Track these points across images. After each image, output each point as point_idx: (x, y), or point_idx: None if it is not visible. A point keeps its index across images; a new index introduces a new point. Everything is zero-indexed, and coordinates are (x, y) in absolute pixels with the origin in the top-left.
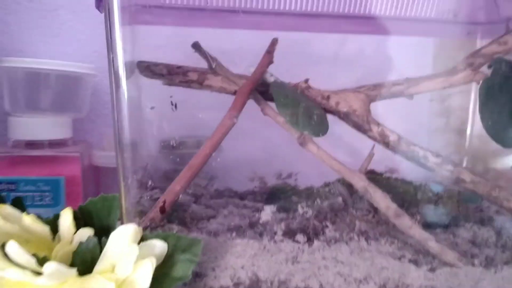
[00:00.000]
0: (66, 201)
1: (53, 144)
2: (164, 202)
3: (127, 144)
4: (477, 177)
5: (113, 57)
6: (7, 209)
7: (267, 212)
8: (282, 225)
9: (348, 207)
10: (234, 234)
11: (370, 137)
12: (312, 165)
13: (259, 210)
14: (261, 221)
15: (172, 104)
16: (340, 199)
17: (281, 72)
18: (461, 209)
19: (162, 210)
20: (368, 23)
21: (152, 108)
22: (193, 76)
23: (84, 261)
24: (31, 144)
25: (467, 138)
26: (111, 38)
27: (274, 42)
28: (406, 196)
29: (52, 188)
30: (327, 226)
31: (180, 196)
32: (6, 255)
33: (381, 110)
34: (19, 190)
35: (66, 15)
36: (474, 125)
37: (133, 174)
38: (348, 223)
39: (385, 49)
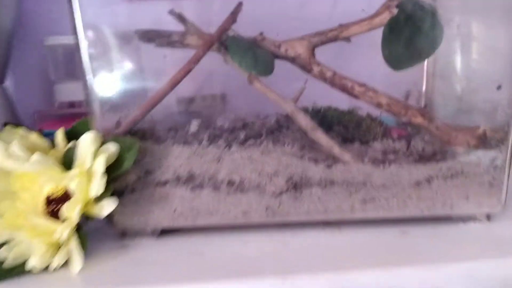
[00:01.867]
0: None
1: None
2: (119, 120)
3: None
4: (392, 100)
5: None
6: (20, 131)
7: (194, 125)
8: (207, 135)
9: (281, 126)
10: (173, 141)
11: (312, 75)
12: None
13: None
14: (189, 132)
15: None
16: (273, 120)
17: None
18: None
19: (118, 125)
20: None
21: None
22: (175, 37)
23: (69, 160)
24: (72, 104)
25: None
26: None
27: (238, 6)
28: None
29: None
30: (239, 135)
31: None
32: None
33: None
34: None
35: None
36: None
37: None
38: (258, 130)
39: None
